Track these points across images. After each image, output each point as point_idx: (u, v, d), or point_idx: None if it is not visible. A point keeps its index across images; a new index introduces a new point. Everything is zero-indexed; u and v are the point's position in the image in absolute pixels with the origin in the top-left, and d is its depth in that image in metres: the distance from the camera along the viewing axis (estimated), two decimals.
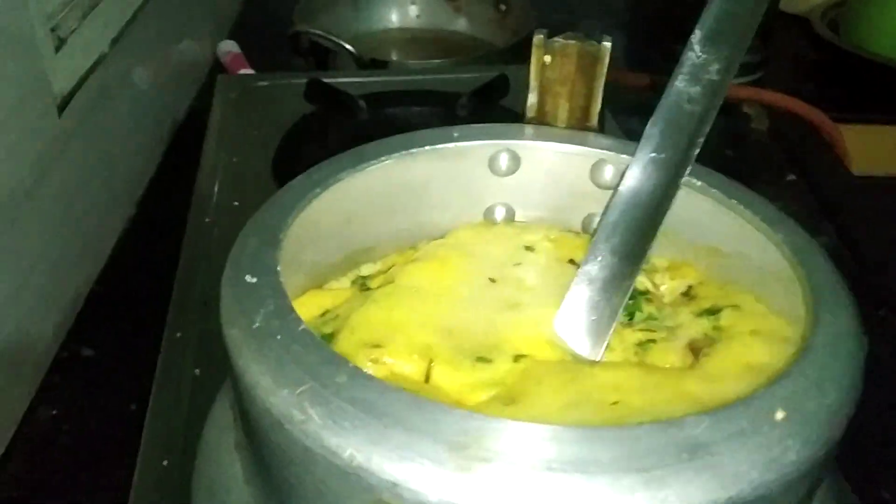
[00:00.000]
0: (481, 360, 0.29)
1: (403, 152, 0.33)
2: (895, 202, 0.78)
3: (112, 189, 0.69)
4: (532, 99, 0.35)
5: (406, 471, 0.21)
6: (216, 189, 0.61)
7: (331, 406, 0.22)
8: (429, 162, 0.34)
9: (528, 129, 0.35)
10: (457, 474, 0.20)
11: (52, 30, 0.61)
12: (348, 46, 0.83)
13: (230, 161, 0.65)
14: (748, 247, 0.31)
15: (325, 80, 0.72)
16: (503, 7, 1.01)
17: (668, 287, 0.34)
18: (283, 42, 0.89)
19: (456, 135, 0.34)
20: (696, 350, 0.30)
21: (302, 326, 0.24)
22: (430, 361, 0.29)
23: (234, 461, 0.28)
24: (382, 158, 0.32)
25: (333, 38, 0.84)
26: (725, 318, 0.31)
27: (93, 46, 0.67)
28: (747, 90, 0.89)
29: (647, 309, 0.32)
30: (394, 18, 1.04)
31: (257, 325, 0.24)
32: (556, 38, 0.34)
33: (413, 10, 1.04)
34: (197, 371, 0.46)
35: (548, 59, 0.34)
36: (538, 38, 0.34)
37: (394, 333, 0.29)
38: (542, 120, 0.36)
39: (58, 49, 0.61)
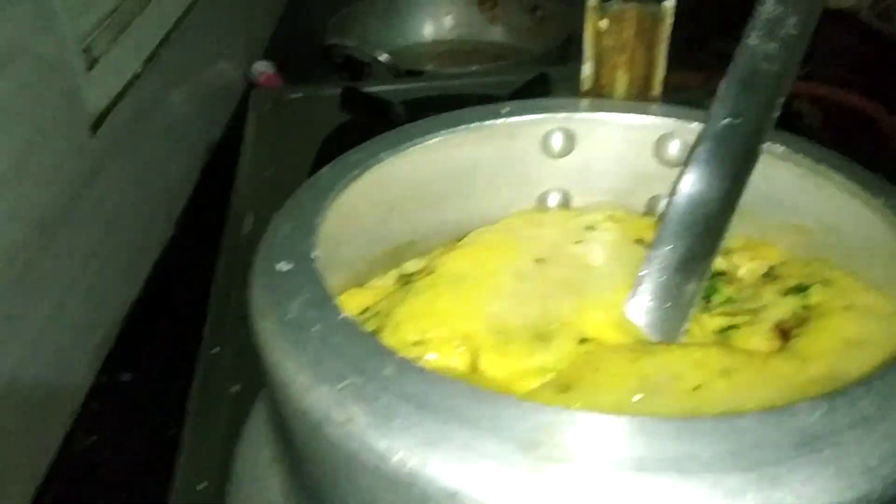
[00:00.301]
0: (536, 344, 0.26)
1: (448, 131, 0.30)
2: None
3: (149, 209, 0.68)
4: (587, 69, 0.32)
5: (469, 476, 0.17)
6: (253, 201, 0.59)
7: (377, 403, 0.19)
8: (476, 143, 0.31)
9: (584, 102, 0.32)
10: (529, 477, 0.17)
11: (85, 50, 0.60)
12: (382, 57, 0.81)
13: (266, 173, 0.63)
14: (840, 218, 0.27)
15: (361, 89, 0.70)
16: (539, 14, 0.98)
17: (747, 269, 0.30)
18: (317, 62, 0.88)
19: (505, 111, 0.31)
20: (785, 332, 0.26)
21: (342, 316, 0.21)
22: (477, 350, 0.26)
23: (271, 477, 0.25)
24: (426, 138, 0.29)
25: (367, 51, 0.82)
26: (815, 295, 0.27)
27: (126, 66, 0.66)
28: (798, 85, 0.85)
29: (726, 291, 0.29)
30: (428, 31, 1.02)
31: (291, 315, 0.21)
32: (612, 1, 0.31)
33: (448, 22, 1.02)
34: (236, 388, 0.43)
35: (604, 23, 0.31)
36: (593, 1, 0.31)
37: (438, 326, 0.26)
38: (599, 93, 0.32)
39: (90, 68, 0.60)
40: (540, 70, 0.73)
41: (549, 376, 0.25)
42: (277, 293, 0.22)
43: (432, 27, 1.02)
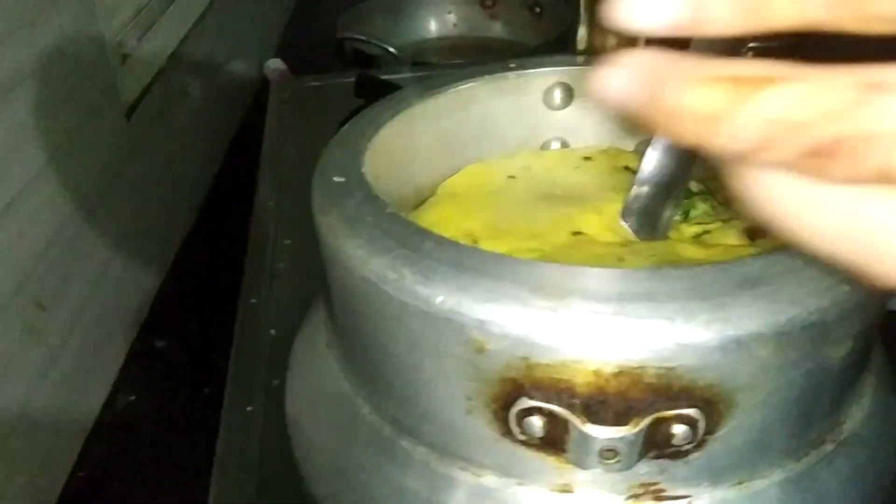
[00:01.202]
0: (530, 233, 0.31)
1: (462, 83, 0.35)
2: None
3: (176, 192, 0.73)
4: (582, 32, 0.37)
5: (492, 310, 0.23)
6: (277, 175, 0.65)
7: (421, 265, 0.24)
8: (486, 97, 0.36)
9: (579, 59, 0.38)
10: (538, 311, 0.23)
11: (118, 45, 0.66)
12: (392, 49, 0.86)
13: (290, 152, 0.69)
14: None
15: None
16: (537, 10, 1.03)
17: (720, 195, 0.35)
18: (327, 59, 0.92)
19: (512, 65, 0.36)
20: (752, 236, 0.31)
21: (389, 209, 0.27)
22: (477, 242, 0.31)
23: (326, 356, 0.30)
24: (444, 89, 0.35)
25: (377, 42, 0.88)
26: None
27: (153, 61, 0.72)
28: None
29: (702, 206, 0.34)
30: (432, 28, 1.07)
31: (348, 211, 0.27)
32: None
33: (451, 19, 1.07)
34: (273, 331, 0.48)
35: None
36: None
37: (445, 227, 0.31)
38: (592, 53, 0.38)
39: (123, 62, 0.66)
40: None
41: (539, 254, 0.30)
42: (335, 196, 0.28)
43: (436, 24, 1.07)
